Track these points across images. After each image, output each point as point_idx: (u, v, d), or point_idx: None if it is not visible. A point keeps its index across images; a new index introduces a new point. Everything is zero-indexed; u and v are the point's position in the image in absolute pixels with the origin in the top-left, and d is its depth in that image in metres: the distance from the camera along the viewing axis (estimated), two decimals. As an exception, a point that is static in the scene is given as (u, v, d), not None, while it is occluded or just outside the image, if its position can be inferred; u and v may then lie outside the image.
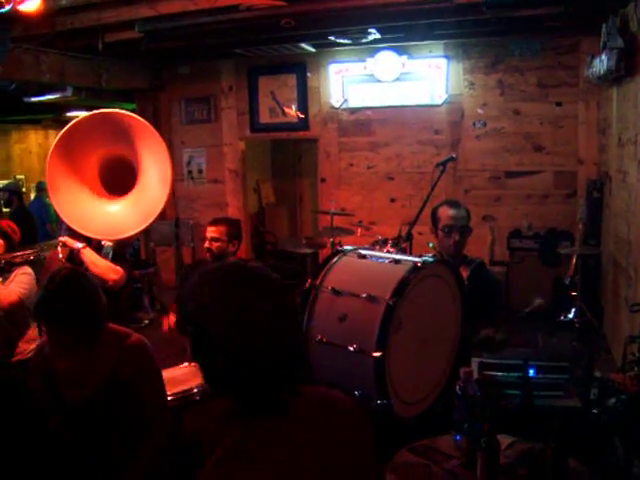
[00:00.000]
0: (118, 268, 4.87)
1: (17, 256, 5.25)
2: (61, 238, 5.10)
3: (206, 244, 5.52)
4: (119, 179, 4.73)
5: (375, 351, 3.21)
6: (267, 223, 12.51)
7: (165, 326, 5.59)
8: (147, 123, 4.62)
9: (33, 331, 5.64)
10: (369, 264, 3.79)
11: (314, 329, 3.50)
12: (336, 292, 3.53)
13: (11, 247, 5.45)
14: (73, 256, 5.00)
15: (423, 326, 3.57)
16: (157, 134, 4.61)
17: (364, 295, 3.38)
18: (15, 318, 5.43)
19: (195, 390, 4.16)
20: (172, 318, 5.53)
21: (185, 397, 4.11)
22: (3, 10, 5.44)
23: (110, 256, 5.05)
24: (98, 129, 4.62)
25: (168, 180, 4.51)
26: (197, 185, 11.21)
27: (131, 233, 4.80)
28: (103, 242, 5.06)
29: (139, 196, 4.63)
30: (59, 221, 11.69)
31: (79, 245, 4.87)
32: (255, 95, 10.81)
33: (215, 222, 5.64)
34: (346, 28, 8.36)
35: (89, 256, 4.86)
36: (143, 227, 4.69)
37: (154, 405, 3.42)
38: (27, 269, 5.35)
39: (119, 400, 3.29)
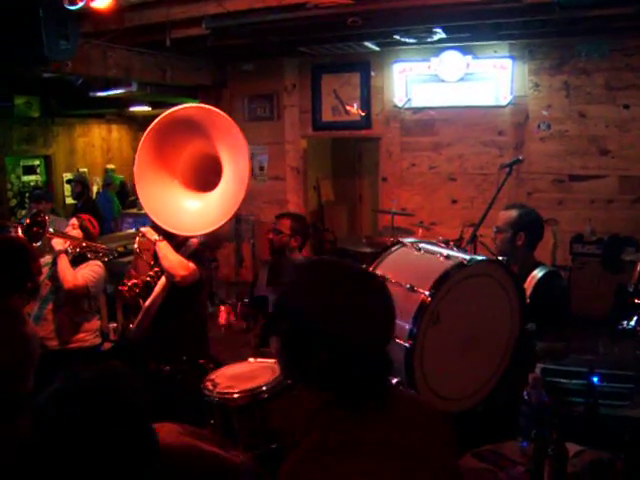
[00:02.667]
0: (190, 265, 4.87)
1: (92, 250, 5.39)
2: (142, 229, 5.17)
3: (269, 235, 5.53)
4: (204, 175, 4.77)
5: (406, 341, 3.21)
6: (326, 221, 12.51)
7: (223, 320, 5.63)
8: (230, 119, 4.62)
9: (95, 322, 5.76)
10: (421, 256, 3.78)
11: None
12: (385, 280, 3.53)
13: (89, 240, 5.61)
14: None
15: (468, 325, 3.52)
16: (239, 130, 4.60)
17: (407, 285, 3.37)
18: (78, 303, 5.55)
19: (264, 388, 4.15)
20: (223, 315, 5.58)
21: (253, 395, 4.11)
22: (76, 7, 5.52)
23: (188, 254, 5.06)
24: (185, 123, 4.66)
25: (246, 178, 4.51)
26: (258, 182, 11.25)
27: (209, 230, 4.82)
28: (192, 240, 5.07)
29: (221, 193, 4.65)
30: (121, 217, 11.92)
31: (156, 237, 4.92)
32: (318, 93, 10.82)
33: (281, 215, 5.67)
34: (411, 27, 8.31)
35: (163, 249, 4.89)
36: (220, 224, 4.71)
37: None
38: (99, 263, 5.49)
39: None
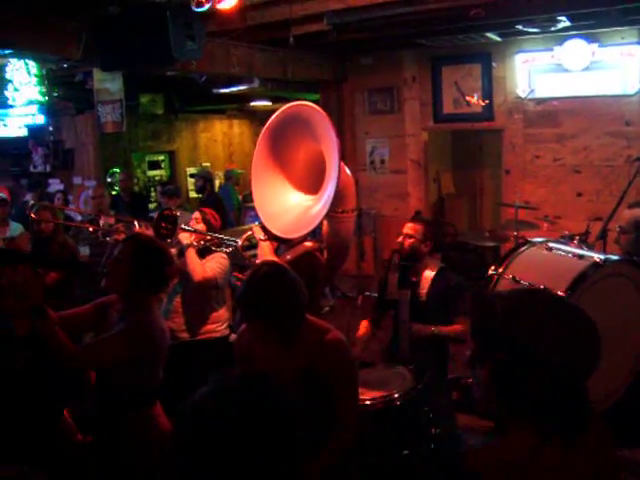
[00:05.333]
0: None
1: (215, 242, 5.50)
2: (253, 226, 5.26)
3: (399, 239, 5.50)
4: (314, 175, 4.80)
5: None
6: (446, 214, 12.39)
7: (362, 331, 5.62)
8: (325, 115, 4.63)
9: (223, 312, 5.88)
10: (553, 257, 3.73)
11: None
12: (516, 281, 3.48)
13: (212, 233, 5.73)
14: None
15: (602, 327, 3.43)
16: (332, 126, 4.60)
17: (541, 287, 3.31)
18: (206, 295, 5.68)
19: (396, 395, 4.14)
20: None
21: (386, 402, 4.10)
22: (203, 9, 5.64)
23: (293, 257, 5.10)
24: (298, 121, 4.70)
25: (335, 179, 4.50)
26: (379, 175, 11.25)
27: (305, 232, 4.85)
28: (305, 243, 5.12)
29: (320, 195, 4.67)
30: (244, 210, 12.12)
31: (261, 237, 4.99)
32: (438, 85, 10.72)
33: (413, 219, 5.64)
34: (534, 16, 8.14)
35: (263, 250, 4.97)
36: (314, 226, 4.72)
37: (346, 402, 3.47)
38: (224, 255, 5.60)
39: (313, 393, 3.35)
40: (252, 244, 5.29)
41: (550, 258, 3.67)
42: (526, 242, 3.84)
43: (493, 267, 3.66)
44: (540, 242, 3.81)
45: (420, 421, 4.44)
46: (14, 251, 5.78)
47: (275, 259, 4.89)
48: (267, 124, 4.79)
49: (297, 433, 1.78)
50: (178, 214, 5.80)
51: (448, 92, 10.64)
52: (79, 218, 9.44)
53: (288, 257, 4.97)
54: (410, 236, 5.35)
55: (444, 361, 5.36)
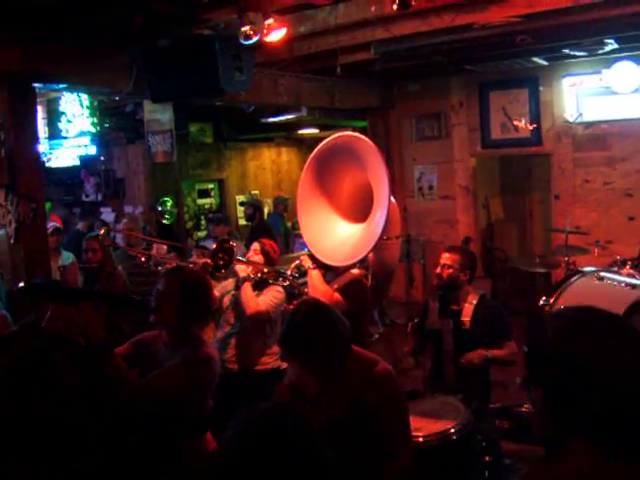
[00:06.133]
0: (336, 295, 4.91)
1: (272, 276, 5.54)
2: (301, 256, 5.32)
3: (437, 270, 5.52)
4: (360, 204, 4.83)
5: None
6: (496, 239, 12.31)
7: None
8: (375, 146, 4.66)
9: (275, 345, 5.89)
10: (605, 286, 3.69)
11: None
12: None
13: (270, 264, 5.77)
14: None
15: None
16: (381, 156, 4.63)
17: None
18: (259, 328, 5.71)
19: (452, 430, 4.11)
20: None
21: (442, 438, 4.08)
22: (251, 41, 5.71)
23: (342, 285, 5.13)
24: (344, 151, 4.75)
25: (387, 207, 4.52)
26: (427, 201, 11.23)
27: (349, 262, 4.87)
28: (352, 271, 5.15)
29: (369, 223, 4.70)
30: (292, 237, 12.17)
31: (309, 265, 5.04)
32: (486, 111, 10.71)
33: (449, 249, 5.65)
34: (581, 40, 8.11)
35: (313, 279, 5.01)
36: (363, 255, 4.74)
37: (397, 433, 3.46)
38: (280, 288, 5.63)
39: (361, 427, 3.34)
40: (301, 272, 5.34)
41: (602, 288, 3.63)
42: (577, 272, 3.80)
43: (544, 298, 3.63)
44: (591, 272, 3.77)
45: (475, 450, 4.42)
46: (76, 289, 5.90)
47: (327, 287, 4.94)
48: (313, 154, 4.85)
49: (320, 463, 1.80)
50: (234, 245, 5.85)
51: (496, 117, 10.62)
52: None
53: (336, 285, 5.02)
54: (448, 266, 5.37)
55: (488, 388, 5.37)
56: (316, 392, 3.43)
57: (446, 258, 5.44)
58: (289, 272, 5.32)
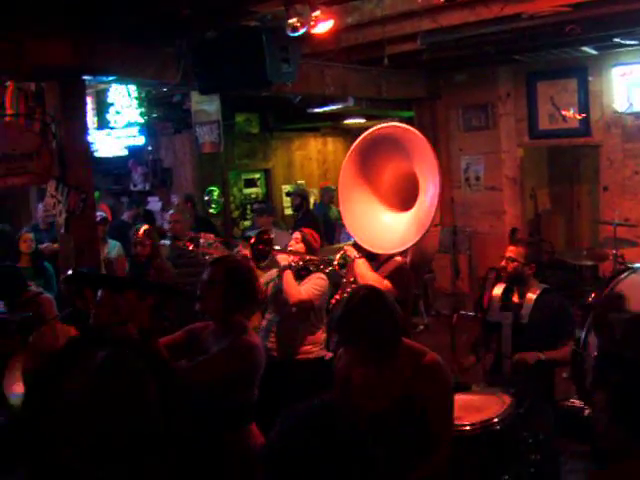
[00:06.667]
0: (385, 283, 4.95)
1: (314, 263, 5.57)
2: (345, 246, 5.35)
3: (502, 262, 5.47)
4: (402, 193, 4.86)
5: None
6: (543, 231, 12.19)
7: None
8: (422, 136, 4.67)
9: (320, 334, 5.94)
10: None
11: (591, 346, 3.39)
12: (618, 310, 3.42)
13: (311, 253, 5.80)
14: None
15: None
16: (429, 146, 4.64)
17: None
18: (303, 316, 5.75)
19: (495, 420, 4.11)
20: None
21: (485, 427, 4.08)
22: (298, 33, 5.73)
23: (387, 273, 5.15)
24: (385, 142, 4.77)
25: (437, 197, 4.54)
26: (474, 192, 11.16)
27: (401, 249, 4.90)
28: (395, 258, 5.18)
29: (416, 212, 4.72)
30: (339, 228, 12.19)
31: (355, 254, 5.06)
32: (534, 101, 10.59)
33: (515, 242, 5.62)
34: (633, 29, 7.99)
35: (360, 267, 5.04)
36: (410, 244, 4.77)
37: (441, 426, 3.47)
38: (322, 275, 5.66)
39: (408, 417, 3.37)
40: (346, 262, 5.37)
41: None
42: (626, 268, 3.75)
43: (594, 295, 3.59)
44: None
45: (519, 446, 4.40)
46: (119, 277, 5.99)
47: (376, 275, 4.97)
48: (355, 143, 4.88)
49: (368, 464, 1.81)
50: (272, 236, 5.89)
51: (543, 108, 10.50)
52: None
53: (383, 273, 5.05)
54: (513, 259, 5.31)
55: (549, 385, 5.28)
56: (365, 380, 3.47)
57: (511, 251, 5.39)
58: (335, 261, 5.35)
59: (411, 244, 4.79)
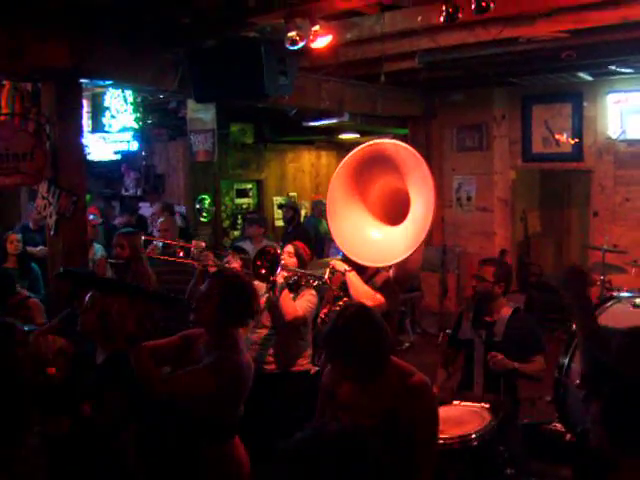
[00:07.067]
0: (378, 296, 4.96)
1: (305, 278, 5.55)
2: (332, 261, 5.35)
3: (473, 282, 5.55)
4: (393, 208, 4.87)
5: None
6: (532, 254, 12.24)
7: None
8: (419, 156, 4.69)
9: (308, 348, 5.94)
10: (638, 313, 3.65)
11: (573, 372, 3.40)
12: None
13: (303, 267, 5.80)
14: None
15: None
16: (426, 165, 4.66)
17: None
18: (295, 330, 5.75)
19: (473, 436, 4.11)
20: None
21: (462, 442, 4.08)
22: (297, 47, 5.75)
23: (377, 286, 5.16)
24: (377, 158, 4.78)
25: (431, 213, 4.56)
26: (465, 212, 11.19)
27: (391, 262, 4.92)
28: (382, 272, 5.19)
29: (407, 227, 4.73)
30: (327, 242, 12.20)
31: (346, 267, 5.06)
32: (528, 124, 10.66)
33: (484, 262, 5.65)
34: (628, 57, 8.05)
35: (352, 280, 5.03)
36: (404, 257, 4.78)
37: (426, 446, 3.47)
38: (313, 292, 5.67)
39: (392, 436, 3.36)
40: (334, 276, 5.36)
41: (635, 315, 3.59)
42: (611, 297, 3.76)
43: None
44: (626, 297, 3.73)
45: (496, 460, 4.42)
46: (114, 281, 5.96)
47: (368, 288, 4.98)
48: (346, 158, 4.89)
49: None
50: (279, 252, 5.86)
51: (537, 131, 10.56)
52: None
53: (374, 286, 5.06)
54: (482, 279, 5.38)
55: (516, 402, 5.35)
56: (350, 397, 3.47)
57: (480, 270, 5.46)
58: (326, 276, 5.34)
59: (402, 258, 4.79)
